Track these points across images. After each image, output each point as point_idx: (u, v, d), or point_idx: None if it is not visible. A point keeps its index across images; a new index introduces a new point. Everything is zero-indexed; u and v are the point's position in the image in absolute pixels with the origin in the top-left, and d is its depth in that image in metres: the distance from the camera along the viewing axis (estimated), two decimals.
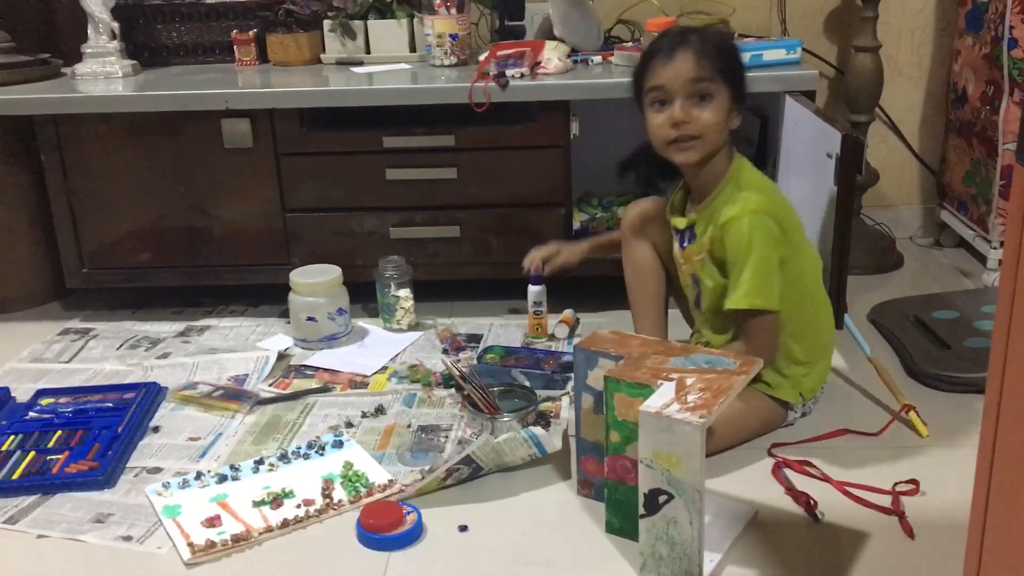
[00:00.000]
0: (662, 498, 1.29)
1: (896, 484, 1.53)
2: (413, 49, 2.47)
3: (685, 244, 1.72)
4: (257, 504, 1.55)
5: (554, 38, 2.38)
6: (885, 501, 1.50)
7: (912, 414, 1.73)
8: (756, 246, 1.56)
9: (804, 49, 2.27)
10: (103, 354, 2.20)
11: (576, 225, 2.36)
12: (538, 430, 1.57)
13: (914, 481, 1.54)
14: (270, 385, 1.99)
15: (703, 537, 1.30)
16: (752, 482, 1.57)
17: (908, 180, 2.83)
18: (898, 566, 1.36)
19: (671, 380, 1.34)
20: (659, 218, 1.81)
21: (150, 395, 1.92)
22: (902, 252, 2.65)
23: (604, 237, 2.08)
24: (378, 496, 1.56)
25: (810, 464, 1.60)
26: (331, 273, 2.18)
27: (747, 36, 2.37)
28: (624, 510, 1.41)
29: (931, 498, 1.51)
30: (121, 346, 2.24)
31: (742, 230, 1.57)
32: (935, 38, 2.69)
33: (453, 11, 2.33)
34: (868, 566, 1.37)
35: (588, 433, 1.51)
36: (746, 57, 2.12)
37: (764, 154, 2.29)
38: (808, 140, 1.93)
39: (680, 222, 1.72)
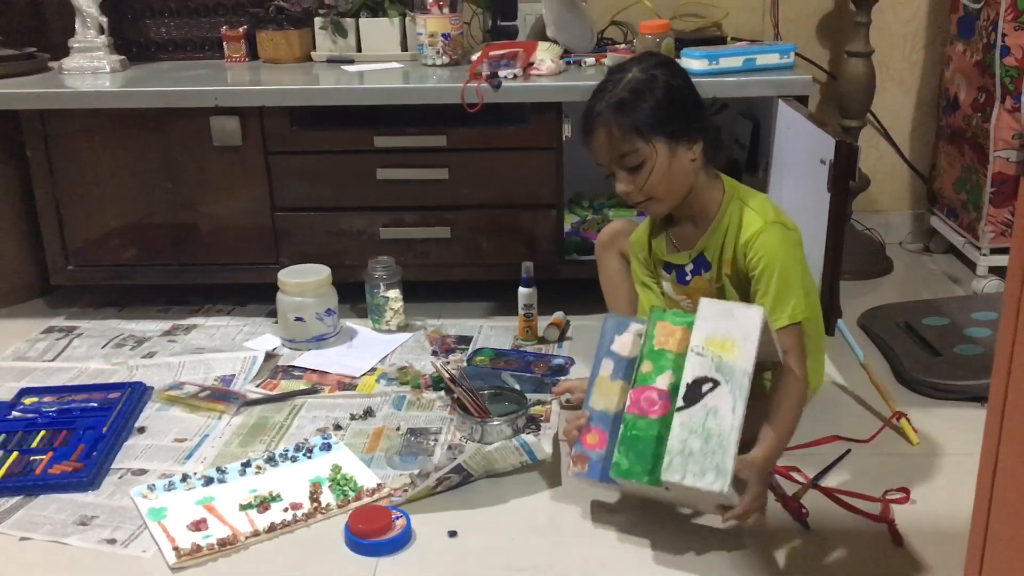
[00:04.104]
0: (706, 386, 1.32)
1: (886, 492, 1.53)
2: (405, 48, 2.45)
3: (689, 277, 1.66)
4: (244, 507, 1.53)
5: (547, 39, 2.37)
6: (875, 509, 1.49)
7: (903, 421, 1.73)
8: (782, 258, 1.53)
9: (797, 54, 2.27)
10: (88, 353, 2.17)
11: (567, 227, 2.35)
12: (529, 437, 1.56)
13: (904, 489, 1.54)
14: (257, 386, 1.97)
15: (741, 428, 1.31)
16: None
17: (898, 186, 2.83)
18: (888, 574, 1.36)
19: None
20: (629, 231, 1.84)
21: (135, 395, 1.90)
22: (891, 257, 2.65)
23: None
24: (367, 500, 1.55)
25: (800, 472, 1.60)
26: (320, 273, 2.16)
27: (740, 40, 2.37)
28: (637, 448, 1.38)
29: (921, 506, 1.51)
30: (106, 345, 2.21)
31: (768, 243, 1.54)
32: (927, 44, 2.69)
33: (445, 10, 2.31)
34: (858, 574, 1.36)
35: (598, 402, 1.50)
36: (739, 61, 2.13)
37: (756, 158, 2.29)
38: (801, 145, 1.92)
39: (683, 257, 1.66)
